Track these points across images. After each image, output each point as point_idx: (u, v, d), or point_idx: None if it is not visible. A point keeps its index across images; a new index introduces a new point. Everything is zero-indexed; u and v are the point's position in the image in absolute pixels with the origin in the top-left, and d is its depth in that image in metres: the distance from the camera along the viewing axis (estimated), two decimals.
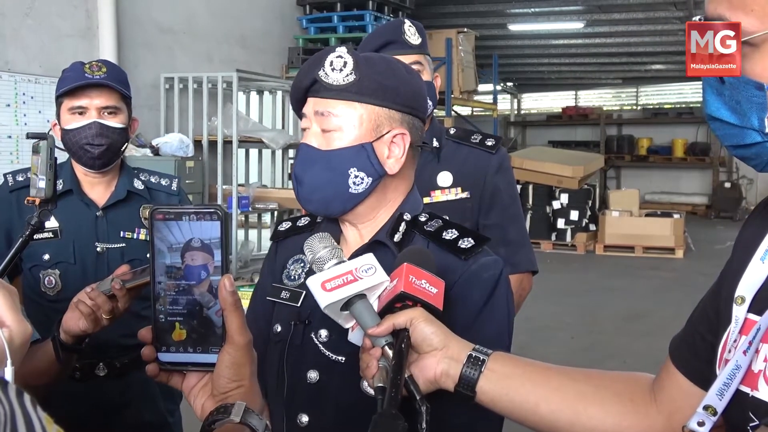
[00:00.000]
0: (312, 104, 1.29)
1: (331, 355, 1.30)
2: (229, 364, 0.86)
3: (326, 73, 1.26)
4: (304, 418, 1.31)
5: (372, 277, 1.12)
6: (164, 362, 0.90)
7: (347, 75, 1.26)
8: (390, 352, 1.07)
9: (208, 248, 0.86)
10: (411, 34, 2.08)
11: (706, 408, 0.89)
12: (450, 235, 1.32)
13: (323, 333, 1.31)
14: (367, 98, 1.27)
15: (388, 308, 1.11)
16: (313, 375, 1.31)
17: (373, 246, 1.31)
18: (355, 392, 1.25)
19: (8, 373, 0.78)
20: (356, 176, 1.27)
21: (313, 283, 1.11)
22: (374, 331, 1.09)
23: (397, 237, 1.31)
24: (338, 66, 1.26)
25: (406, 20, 2.12)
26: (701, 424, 0.89)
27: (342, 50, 1.28)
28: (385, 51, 1.98)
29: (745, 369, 0.87)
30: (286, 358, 1.34)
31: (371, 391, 1.09)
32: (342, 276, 1.11)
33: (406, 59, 1.95)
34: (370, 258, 1.15)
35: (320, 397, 1.30)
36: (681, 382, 1.05)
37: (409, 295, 1.10)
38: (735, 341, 0.90)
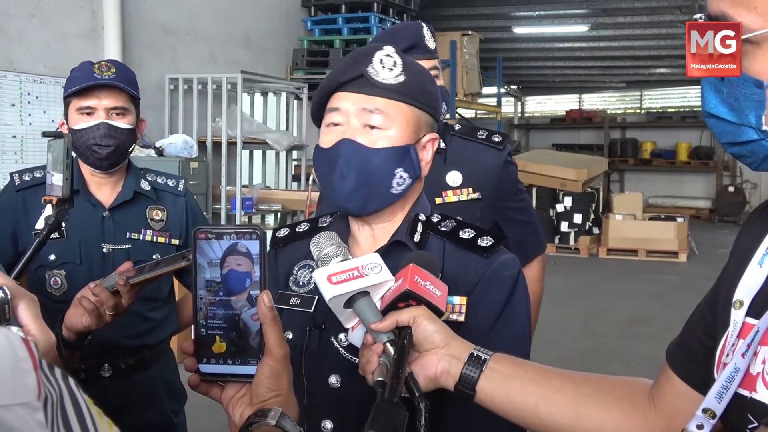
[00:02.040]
0: (354, 99, 1.26)
1: (353, 358, 1.26)
2: (268, 375, 0.90)
3: (375, 70, 1.25)
4: (329, 425, 1.29)
5: (377, 275, 1.12)
6: (205, 373, 0.93)
7: (398, 75, 1.25)
8: (391, 349, 1.07)
9: (250, 257, 0.90)
10: (429, 38, 2.06)
11: (705, 411, 0.89)
12: (467, 234, 1.32)
13: (342, 337, 1.28)
14: (412, 100, 1.27)
15: (392, 307, 1.12)
16: (334, 380, 1.29)
17: (393, 246, 1.31)
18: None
19: None
20: (401, 177, 1.27)
21: (320, 275, 1.12)
22: (377, 326, 1.09)
23: (416, 237, 1.31)
24: (388, 64, 1.25)
25: (423, 24, 2.08)
26: (700, 427, 0.89)
27: (390, 49, 1.27)
28: (409, 55, 1.96)
29: (743, 372, 0.87)
30: (303, 365, 1.30)
31: None
32: (348, 271, 1.11)
33: (427, 64, 1.96)
34: (376, 257, 1.15)
35: (343, 402, 1.28)
36: (679, 386, 1.05)
37: (413, 294, 1.10)
38: (733, 345, 0.90)
